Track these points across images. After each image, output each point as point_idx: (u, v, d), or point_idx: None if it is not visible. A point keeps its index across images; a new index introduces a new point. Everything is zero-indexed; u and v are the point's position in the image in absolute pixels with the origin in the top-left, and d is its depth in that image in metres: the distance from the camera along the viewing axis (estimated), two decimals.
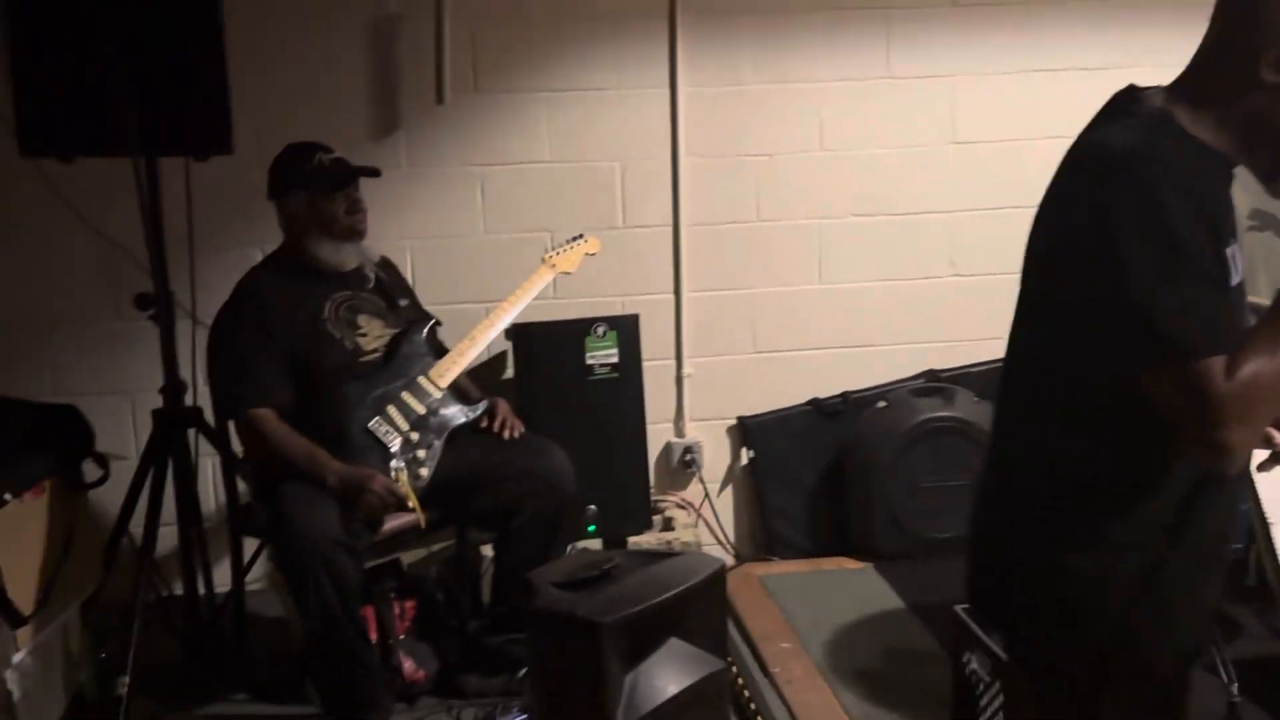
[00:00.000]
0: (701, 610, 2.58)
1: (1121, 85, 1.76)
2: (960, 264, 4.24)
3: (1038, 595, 1.83)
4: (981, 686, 2.85)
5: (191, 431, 3.35)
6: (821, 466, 4.25)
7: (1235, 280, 1.64)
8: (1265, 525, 1.98)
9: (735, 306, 4.20)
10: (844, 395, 4.25)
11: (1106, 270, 1.58)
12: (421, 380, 3.24)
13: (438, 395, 3.24)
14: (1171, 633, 1.80)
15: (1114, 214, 1.59)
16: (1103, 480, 1.72)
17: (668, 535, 3.91)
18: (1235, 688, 3.02)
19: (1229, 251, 1.62)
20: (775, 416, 4.25)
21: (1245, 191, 3.47)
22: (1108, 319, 1.60)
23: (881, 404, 4.19)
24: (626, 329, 3.84)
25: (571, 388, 3.79)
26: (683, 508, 4.16)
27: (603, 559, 2.63)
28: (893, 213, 4.20)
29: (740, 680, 3.23)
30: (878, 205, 4.19)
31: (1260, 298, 1.81)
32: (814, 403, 4.25)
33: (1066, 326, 1.69)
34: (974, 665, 2.89)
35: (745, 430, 4.24)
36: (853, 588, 3.90)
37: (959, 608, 2.98)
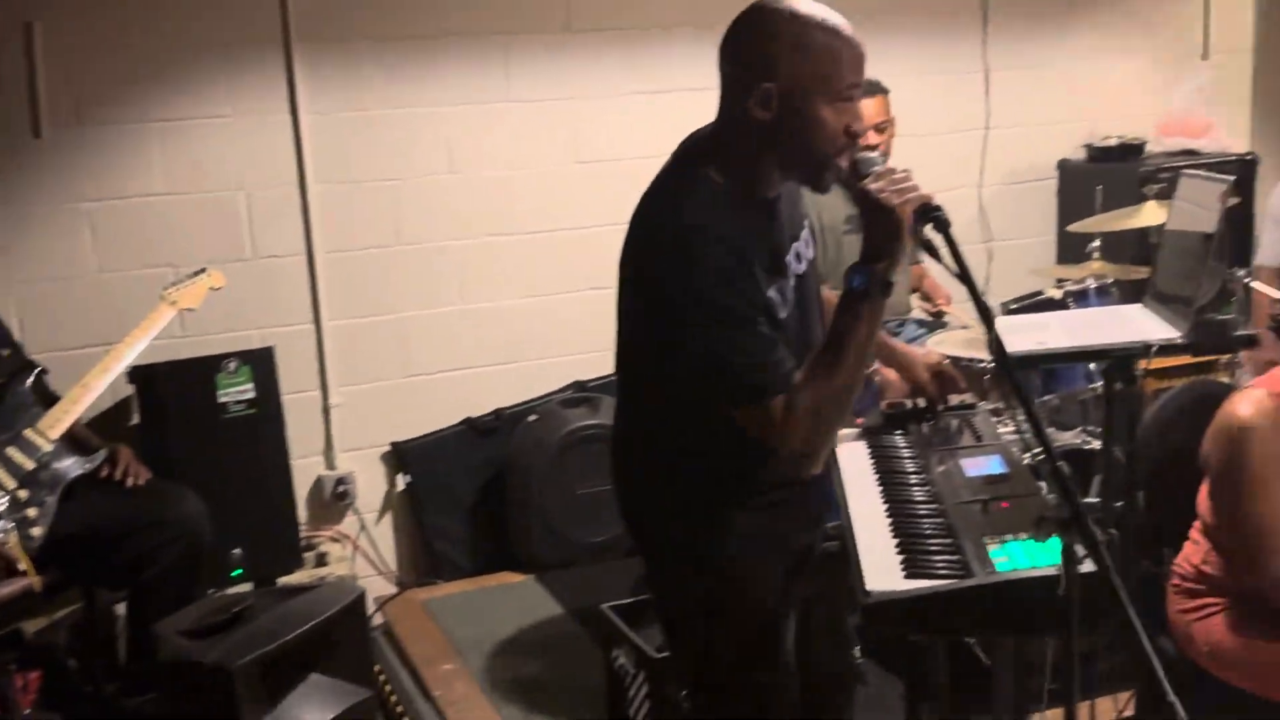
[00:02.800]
0: (342, 641, 2.54)
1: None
2: (595, 277, 4.38)
3: (666, 546, 2.00)
4: (629, 678, 2.97)
5: None
6: (480, 485, 4.28)
7: (784, 313, 1.85)
8: (845, 498, 2.16)
9: (381, 331, 4.17)
10: (497, 412, 4.30)
11: (675, 332, 1.80)
12: (29, 434, 3.02)
13: (48, 448, 3.02)
14: (770, 575, 2.01)
15: (667, 286, 1.80)
16: (706, 452, 1.94)
17: (321, 571, 3.81)
18: (857, 650, 3.28)
19: (772, 293, 1.82)
20: (430, 439, 4.24)
21: (841, 197, 3.77)
22: (685, 368, 1.82)
23: (533, 417, 4.26)
24: (261, 363, 3.73)
25: (205, 428, 3.64)
26: (337, 541, 4.08)
27: (233, 601, 2.55)
28: (526, 231, 4.29)
29: (401, 709, 3.20)
30: (512, 225, 4.27)
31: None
32: (468, 422, 4.28)
33: (659, 357, 1.89)
34: (622, 660, 3.01)
35: (400, 455, 4.21)
36: (515, 600, 3.95)
37: (606, 606, 3.11)
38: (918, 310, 4.12)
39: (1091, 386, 3.23)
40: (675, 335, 1.80)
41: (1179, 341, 2.11)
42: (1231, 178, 2.28)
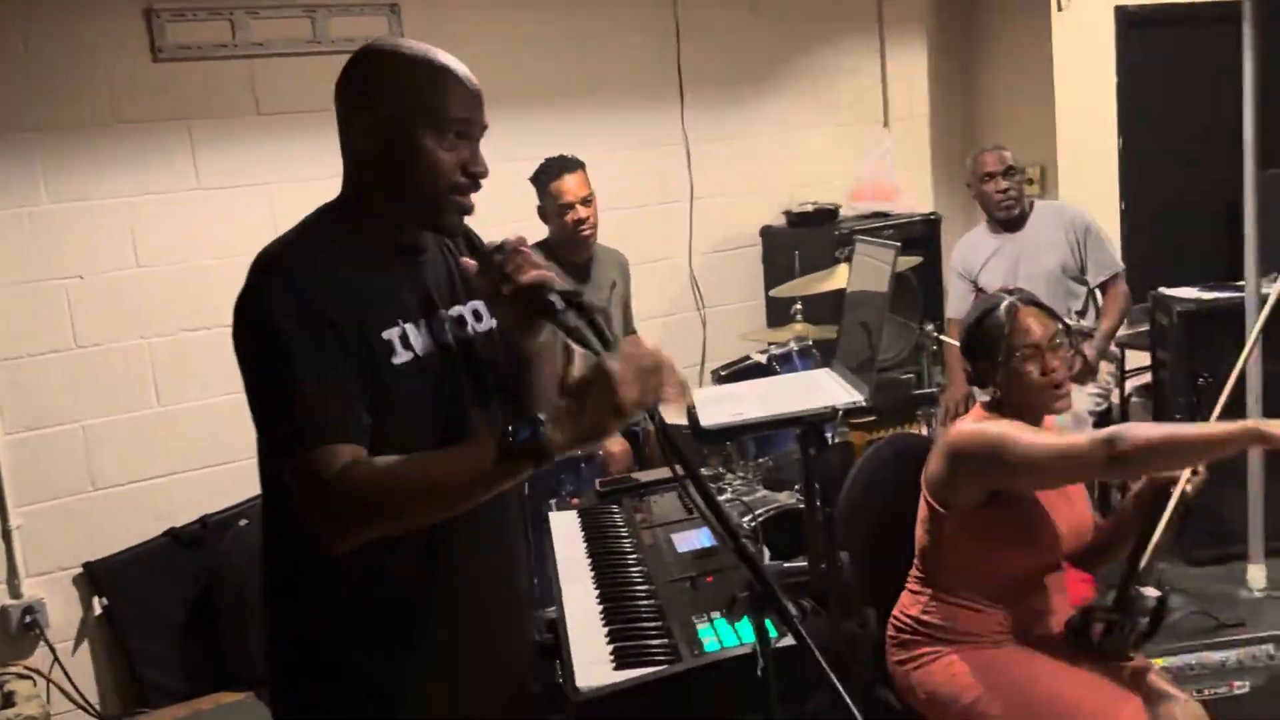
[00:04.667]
0: None
1: None
2: None
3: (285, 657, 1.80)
4: None
5: None
6: (189, 599, 3.97)
7: (403, 358, 1.68)
8: (559, 588, 2.09)
9: (65, 443, 3.82)
10: (203, 519, 4.01)
11: (245, 372, 1.66)
12: None
13: None
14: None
15: (241, 318, 1.68)
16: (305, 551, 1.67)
17: (9, 712, 3.42)
18: None
19: (392, 333, 1.68)
20: (128, 555, 3.91)
21: None
22: (254, 410, 1.66)
23: (244, 521, 4.00)
24: None
25: None
26: (27, 677, 3.67)
27: None
28: (227, 324, 4.02)
29: None
30: (210, 318, 4.01)
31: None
32: (170, 533, 3.97)
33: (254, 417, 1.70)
34: None
35: (94, 576, 3.85)
36: None
37: None
38: None
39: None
40: (248, 386, 1.65)
41: (863, 404, 2.17)
42: (898, 244, 2.38)
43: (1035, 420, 2.58)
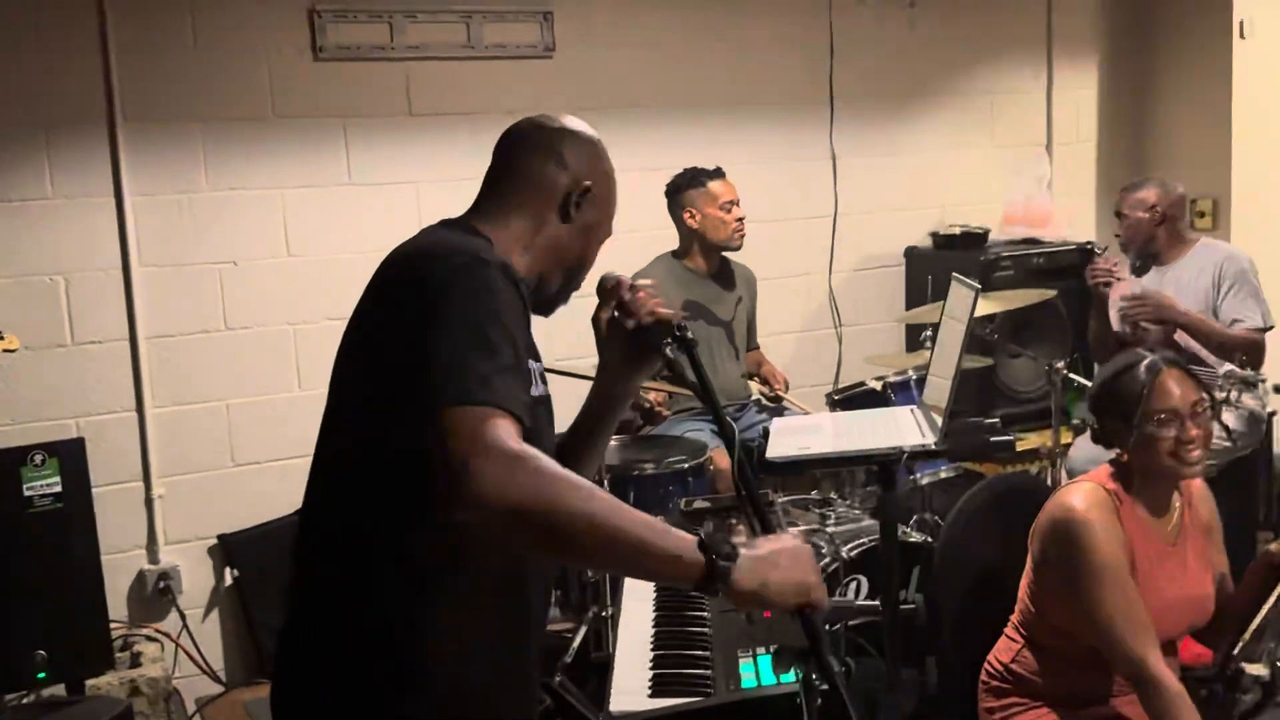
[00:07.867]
0: None
1: None
2: None
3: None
4: None
5: None
6: None
7: (538, 391, 1.68)
8: (619, 610, 2.09)
9: (209, 419, 4.03)
10: None
11: (427, 321, 1.54)
12: None
13: None
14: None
15: (452, 277, 1.58)
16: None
17: (134, 672, 3.62)
18: None
19: (535, 367, 1.69)
20: (260, 530, 4.09)
21: (679, 285, 3.74)
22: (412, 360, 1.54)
23: None
24: (69, 455, 3.54)
25: (8, 524, 3.44)
26: (155, 640, 3.88)
27: None
28: None
29: None
30: (351, 308, 4.17)
31: None
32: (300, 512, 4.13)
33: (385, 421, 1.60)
34: None
35: (228, 548, 4.05)
36: None
37: None
38: (757, 394, 4.11)
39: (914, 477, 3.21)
40: (406, 340, 1.56)
41: (932, 447, 2.09)
42: (978, 285, 2.29)
43: (1166, 487, 2.45)
